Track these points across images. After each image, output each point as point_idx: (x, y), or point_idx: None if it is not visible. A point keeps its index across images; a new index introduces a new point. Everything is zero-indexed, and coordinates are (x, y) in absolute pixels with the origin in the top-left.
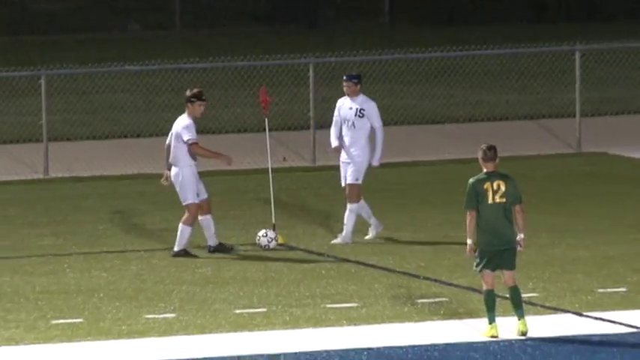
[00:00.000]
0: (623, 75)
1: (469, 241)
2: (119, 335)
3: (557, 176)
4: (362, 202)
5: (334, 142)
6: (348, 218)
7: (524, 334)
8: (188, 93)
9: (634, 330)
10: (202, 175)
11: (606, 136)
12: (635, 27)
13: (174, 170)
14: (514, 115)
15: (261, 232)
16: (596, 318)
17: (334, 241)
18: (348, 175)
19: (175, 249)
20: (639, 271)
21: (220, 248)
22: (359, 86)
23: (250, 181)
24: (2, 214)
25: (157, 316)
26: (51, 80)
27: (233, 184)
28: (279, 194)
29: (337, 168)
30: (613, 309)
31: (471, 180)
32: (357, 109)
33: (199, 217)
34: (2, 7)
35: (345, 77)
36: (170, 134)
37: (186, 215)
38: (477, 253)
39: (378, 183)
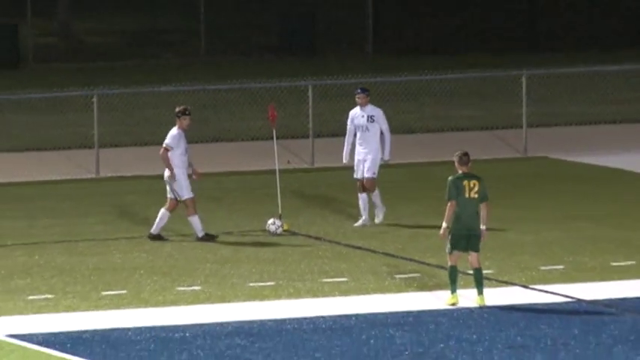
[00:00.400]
0: (560, 94)
1: (444, 225)
2: (156, 304)
3: (507, 176)
4: (365, 195)
5: (345, 158)
6: (376, 201)
7: (482, 307)
8: (176, 109)
9: (570, 300)
10: (222, 175)
11: (547, 144)
12: (569, 55)
13: (167, 172)
14: (472, 126)
15: (270, 221)
16: (539, 290)
17: (377, 221)
18: (366, 170)
19: (199, 235)
20: (573, 253)
21: (156, 237)
22: (368, 97)
23: (260, 179)
24: (60, 206)
25: (186, 288)
26: (102, 98)
27: (247, 182)
28: (284, 190)
29: (331, 169)
30: (553, 283)
31: (450, 177)
32: (368, 116)
33: (162, 209)
34: (64, 41)
35: (359, 90)
36: None
37: (187, 209)
38: (449, 237)
39: None
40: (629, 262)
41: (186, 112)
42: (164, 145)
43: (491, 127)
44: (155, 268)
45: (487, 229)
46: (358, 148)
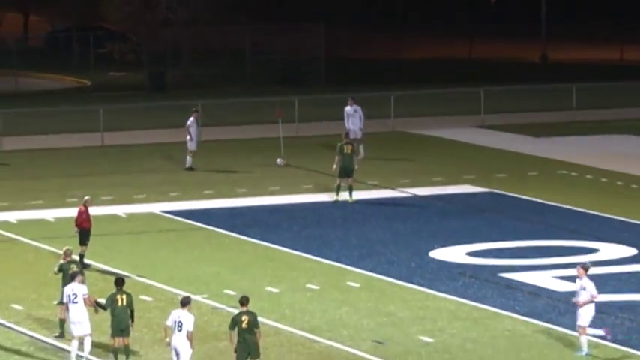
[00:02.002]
0: (413, 102)
1: (334, 166)
2: (227, 197)
3: (383, 140)
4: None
5: (347, 128)
6: (361, 150)
7: (355, 202)
8: (193, 109)
9: (412, 195)
10: (255, 140)
11: (406, 125)
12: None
13: (188, 137)
14: (368, 117)
15: (278, 160)
16: (399, 190)
17: (359, 157)
18: (359, 134)
19: (187, 165)
20: (417, 174)
21: (189, 169)
22: (354, 101)
23: (272, 141)
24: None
25: (238, 190)
26: (204, 106)
27: (266, 143)
28: (285, 145)
29: (306, 137)
30: (403, 188)
31: (338, 144)
32: (354, 110)
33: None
34: (185, 79)
35: (350, 97)
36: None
37: (192, 155)
38: (338, 172)
39: (308, 146)
40: (439, 178)
41: (196, 110)
42: (187, 125)
43: (376, 117)
44: (228, 182)
45: (357, 167)
46: (351, 125)
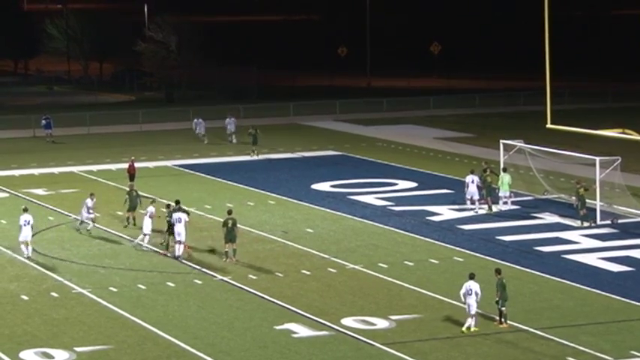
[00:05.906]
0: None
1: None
2: (206, 158)
3: (284, 128)
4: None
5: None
6: None
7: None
8: (229, 113)
9: (299, 156)
10: (218, 128)
11: (300, 119)
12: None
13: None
14: (281, 115)
15: (234, 139)
16: (282, 152)
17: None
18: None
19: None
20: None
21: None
22: (231, 113)
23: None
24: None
25: (210, 153)
26: (195, 111)
27: (225, 129)
28: (236, 131)
29: (245, 126)
30: (296, 152)
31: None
32: (232, 120)
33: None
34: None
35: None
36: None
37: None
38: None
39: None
40: (315, 146)
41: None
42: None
43: (283, 116)
44: (207, 149)
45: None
46: (228, 125)
